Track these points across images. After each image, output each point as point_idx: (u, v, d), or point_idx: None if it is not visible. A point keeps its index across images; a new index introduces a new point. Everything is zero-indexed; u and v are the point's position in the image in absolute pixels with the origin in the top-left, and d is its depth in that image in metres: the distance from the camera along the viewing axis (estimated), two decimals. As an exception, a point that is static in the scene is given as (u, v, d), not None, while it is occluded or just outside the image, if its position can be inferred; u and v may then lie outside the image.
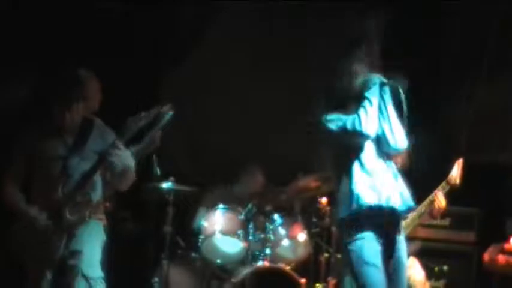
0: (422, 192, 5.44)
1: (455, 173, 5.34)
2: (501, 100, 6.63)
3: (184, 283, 6.11)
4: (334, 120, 4.26)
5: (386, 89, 4.28)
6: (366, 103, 4.20)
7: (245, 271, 5.92)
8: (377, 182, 4.23)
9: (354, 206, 4.19)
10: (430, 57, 6.78)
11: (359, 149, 4.27)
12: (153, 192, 5.94)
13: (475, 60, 6.67)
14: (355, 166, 4.24)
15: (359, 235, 4.20)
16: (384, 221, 4.23)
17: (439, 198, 5.33)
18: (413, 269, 5.50)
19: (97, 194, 4.64)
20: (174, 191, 5.94)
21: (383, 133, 4.29)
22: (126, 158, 4.58)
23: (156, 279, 5.99)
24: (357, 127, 4.16)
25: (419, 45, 6.70)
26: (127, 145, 4.65)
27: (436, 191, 5.33)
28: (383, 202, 4.20)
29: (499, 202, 6.29)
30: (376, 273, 4.17)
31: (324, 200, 6.18)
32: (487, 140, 6.67)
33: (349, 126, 4.19)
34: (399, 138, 4.30)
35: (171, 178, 5.93)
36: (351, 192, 4.21)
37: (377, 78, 4.27)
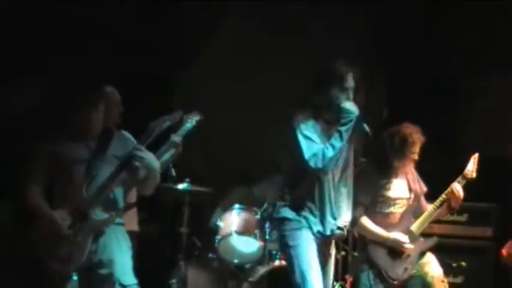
0: (439, 187, 5.45)
1: (471, 167, 5.36)
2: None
3: (202, 284, 6.12)
4: (307, 139, 4.44)
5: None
6: (336, 140, 4.39)
7: (262, 270, 5.92)
8: None
9: None
10: (444, 51, 6.77)
11: None
12: (169, 193, 5.95)
13: (479, 56, 6.67)
14: None
15: None
16: None
17: (457, 189, 5.33)
18: (431, 266, 5.49)
19: (121, 197, 4.66)
20: (190, 192, 5.96)
21: None
22: (149, 160, 4.59)
23: (174, 280, 6.00)
24: (319, 163, 4.39)
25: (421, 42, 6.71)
26: (150, 149, 4.67)
27: (452, 184, 5.34)
28: None
29: (516, 197, 6.26)
30: None
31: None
32: (503, 135, 6.64)
33: (310, 155, 4.39)
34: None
35: (187, 179, 5.95)
36: None
37: (353, 110, 4.42)
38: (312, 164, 4.39)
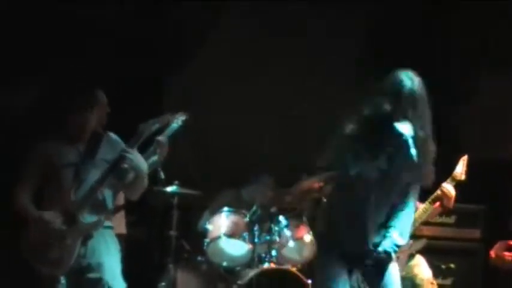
0: (428, 189, 5.46)
1: (460, 169, 5.37)
2: (505, 96, 6.62)
3: (191, 286, 6.11)
4: None
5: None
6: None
7: (251, 273, 5.91)
8: None
9: None
10: (435, 53, 6.79)
11: None
12: (158, 196, 5.94)
13: (479, 56, 6.68)
14: None
15: None
16: None
17: (448, 189, 5.33)
18: (421, 268, 5.50)
19: (111, 199, 4.66)
20: (179, 195, 5.94)
21: None
22: (138, 162, 4.59)
23: (163, 284, 5.98)
24: None
25: (421, 42, 6.72)
26: (140, 153, 4.67)
27: (441, 186, 5.35)
28: None
29: (504, 199, 6.27)
30: None
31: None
32: (491, 137, 6.66)
33: None
34: None
35: (176, 182, 5.93)
36: None
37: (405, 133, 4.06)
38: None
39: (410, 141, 4.02)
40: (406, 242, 4.48)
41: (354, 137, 4.17)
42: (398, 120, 4.04)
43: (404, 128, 4.03)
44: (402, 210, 4.33)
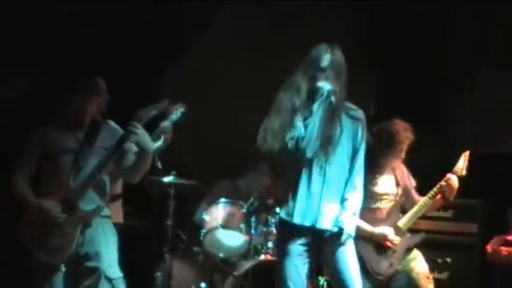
0: (427, 184, 5.45)
1: (462, 164, 5.35)
2: (504, 91, 6.62)
3: (187, 277, 6.11)
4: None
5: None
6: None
7: (248, 264, 5.92)
8: None
9: None
10: (434, 50, 6.78)
11: None
12: (155, 186, 5.93)
13: (480, 51, 6.67)
14: None
15: None
16: None
17: (453, 180, 5.31)
18: (417, 262, 5.48)
19: (108, 187, 4.65)
20: (176, 185, 5.93)
21: None
22: (145, 137, 4.57)
23: (159, 273, 6.00)
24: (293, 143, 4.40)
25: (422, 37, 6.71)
26: None
27: (446, 177, 5.33)
28: None
29: (501, 193, 6.27)
30: None
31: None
32: (489, 131, 6.66)
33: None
34: None
35: (173, 172, 5.92)
36: None
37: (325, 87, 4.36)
38: (289, 145, 4.35)
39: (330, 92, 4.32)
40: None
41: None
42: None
43: (324, 84, 4.34)
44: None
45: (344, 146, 4.49)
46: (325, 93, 4.31)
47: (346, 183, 4.53)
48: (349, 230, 4.51)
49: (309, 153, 4.35)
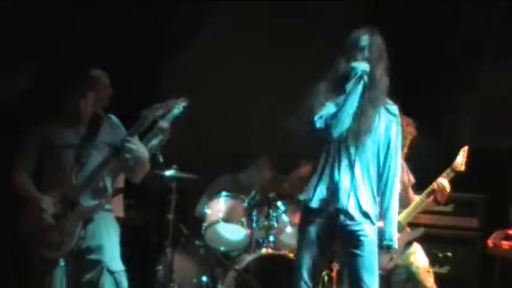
0: (427, 178, 5.47)
1: (460, 159, 5.36)
2: (505, 85, 6.61)
3: (188, 270, 6.13)
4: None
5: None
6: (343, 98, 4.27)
7: (249, 258, 5.93)
8: None
9: None
10: (434, 42, 6.77)
11: None
12: (156, 180, 5.94)
13: (481, 45, 6.66)
14: None
15: None
16: None
17: (443, 184, 5.35)
18: (417, 256, 5.51)
19: (110, 183, 4.65)
20: (177, 179, 5.95)
21: None
22: (139, 150, 4.58)
23: (160, 267, 6.01)
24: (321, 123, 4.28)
25: (423, 31, 6.70)
26: (141, 137, 4.65)
27: (439, 178, 5.36)
28: None
29: (502, 188, 6.27)
30: None
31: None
32: (490, 126, 6.66)
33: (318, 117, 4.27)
34: None
35: (174, 166, 5.93)
36: None
37: (360, 67, 4.26)
38: (317, 124, 4.24)
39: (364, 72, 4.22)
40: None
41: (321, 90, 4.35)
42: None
43: (358, 64, 4.25)
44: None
45: (377, 136, 4.34)
46: (359, 73, 4.19)
47: (379, 178, 4.36)
48: (396, 246, 4.42)
49: (335, 133, 4.19)
